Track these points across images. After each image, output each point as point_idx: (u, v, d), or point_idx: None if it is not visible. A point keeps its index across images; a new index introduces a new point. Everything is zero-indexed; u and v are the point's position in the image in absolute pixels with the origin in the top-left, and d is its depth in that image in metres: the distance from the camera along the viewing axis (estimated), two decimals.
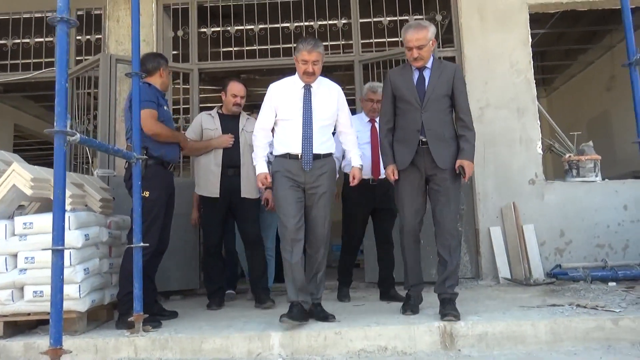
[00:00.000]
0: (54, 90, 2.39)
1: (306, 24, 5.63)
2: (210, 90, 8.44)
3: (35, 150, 12.30)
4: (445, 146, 3.18)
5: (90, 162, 5.16)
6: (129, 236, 3.34)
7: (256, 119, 3.66)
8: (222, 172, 3.91)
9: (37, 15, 5.62)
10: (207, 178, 3.94)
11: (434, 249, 3.42)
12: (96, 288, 3.33)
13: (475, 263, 4.94)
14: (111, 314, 3.64)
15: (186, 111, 5.40)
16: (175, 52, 5.83)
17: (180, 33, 5.53)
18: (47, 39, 5.68)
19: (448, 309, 3.01)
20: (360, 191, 3.72)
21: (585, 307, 3.18)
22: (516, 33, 5.15)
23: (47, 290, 3.04)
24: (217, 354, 2.89)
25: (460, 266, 4.68)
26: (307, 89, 3.27)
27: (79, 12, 5.56)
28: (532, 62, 5.13)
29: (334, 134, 3.44)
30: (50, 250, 2.28)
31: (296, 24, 5.57)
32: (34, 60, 5.59)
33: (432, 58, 3.27)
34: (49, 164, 3.58)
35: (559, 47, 8.25)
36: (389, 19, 5.46)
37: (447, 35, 5.59)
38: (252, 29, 5.64)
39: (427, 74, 3.24)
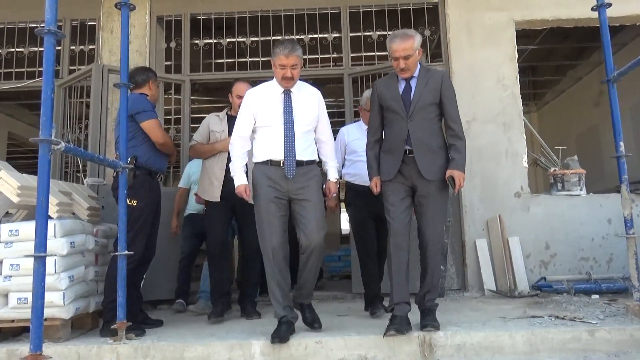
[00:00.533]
0: None
1: (297, 37, 5.72)
2: (202, 101, 8.52)
3: (29, 159, 12.31)
4: (432, 157, 3.07)
5: (81, 170, 5.20)
6: (115, 244, 3.38)
7: None
8: (227, 177, 3.68)
9: (31, 25, 5.68)
10: (211, 182, 3.84)
11: (418, 258, 3.31)
12: (81, 296, 3.35)
13: (461, 274, 4.98)
14: (96, 321, 3.65)
15: (177, 121, 5.47)
16: (168, 63, 5.91)
17: (173, 44, 5.62)
18: (40, 49, 5.74)
19: (428, 320, 3.02)
20: (363, 198, 3.70)
21: (563, 318, 3.22)
22: (503, 49, 5.25)
23: (31, 297, 3.06)
24: None
25: (446, 278, 4.77)
26: (287, 93, 3.16)
27: (74, 23, 5.64)
28: (518, 77, 5.22)
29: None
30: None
31: (288, 37, 5.65)
32: (28, 69, 5.64)
33: (419, 66, 3.18)
34: None
35: (549, 62, 8.38)
36: (378, 33, 5.56)
37: (436, 50, 5.69)
38: (244, 41, 5.72)
39: (413, 82, 3.15)
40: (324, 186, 3.35)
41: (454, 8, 5.34)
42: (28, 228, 3.13)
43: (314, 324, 3.18)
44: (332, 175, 3.34)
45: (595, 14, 3.56)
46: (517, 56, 5.27)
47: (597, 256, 4.87)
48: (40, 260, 2.28)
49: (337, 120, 5.75)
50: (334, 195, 3.32)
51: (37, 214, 2.30)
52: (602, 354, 2.84)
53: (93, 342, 3.10)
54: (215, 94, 8.11)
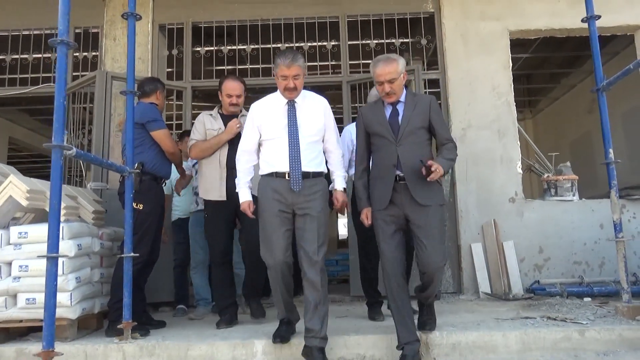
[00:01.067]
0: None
1: (297, 44, 5.84)
2: (203, 107, 8.62)
3: (28, 163, 12.40)
4: (424, 181, 2.86)
5: (84, 175, 5.29)
6: (121, 246, 3.47)
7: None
8: (229, 174, 3.60)
9: (35, 32, 5.80)
10: (213, 181, 3.68)
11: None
12: (87, 297, 3.44)
13: (457, 278, 5.09)
14: (101, 323, 3.74)
15: (179, 127, 5.57)
16: (169, 69, 6.02)
17: (175, 52, 5.73)
18: (44, 55, 5.86)
19: (425, 315, 3.15)
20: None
21: (555, 319, 3.34)
22: (497, 57, 5.39)
23: (39, 297, 3.15)
24: None
25: (442, 281, 4.88)
26: (291, 104, 3.07)
27: (77, 30, 5.75)
28: (512, 85, 5.36)
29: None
30: (45, 258, 2.40)
31: (287, 45, 5.78)
32: (32, 75, 5.74)
33: (404, 91, 3.07)
34: (42, 177, 3.76)
35: (544, 70, 8.55)
36: (376, 41, 5.68)
37: (432, 58, 5.82)
38: (244, 49, 5.84)
39: (400, 107, 3.04)
40: (332, 196, 3.23)
41: (450, 17, 5.49)
42: (37, 230, 3.24)
43: None
44: (340, 185, 3.20)
45: (586, 25, 3.69)
46: (511, 65, 5.41)
47: (589, 260, 4.98)
48: (52, 261, 2.37)
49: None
50: (343, 202, 3.20)
51: (50, 216, 2.40)
52: (592, 353, 2.95)
53: (99, 341, 3.19)
54: (214, 100, 8.22)
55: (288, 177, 2.97)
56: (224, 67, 5.83)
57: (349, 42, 5.70)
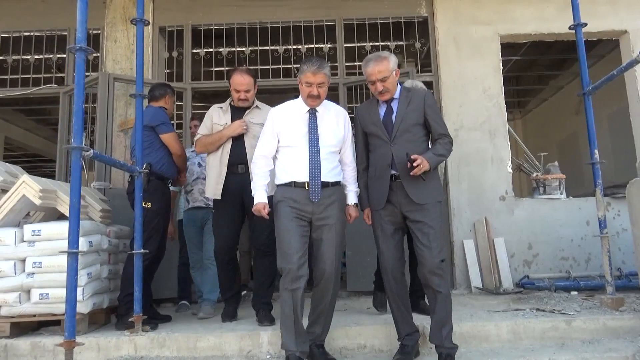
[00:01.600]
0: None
1: (294, 47, 6.00)
2: (202, 107, 8.76)
3: (23, 163, 12.40)
4: (420, 179, 2.85)
5: (86, 175, 5.40)
6: (131, 243, 3.61)
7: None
8: (230, 171, 3.58)
9: (36, 34, 5.89)
10: (212, 178, 3.65)
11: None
12: (97, 292, 3.58)
13: (450, 274, 5.28)
14: (109, 318, 3.88)
15: (179, 127, 5.69)
16: (169, 71, 6.14)
17: (174, 54, 5.85)
18: (46, 56, 5.95)
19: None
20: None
21: (544, 311, 3.53)
22: (489, 61, 5.58)
23: (52, 292, 3.30)
24: (211, 351, 3.16)
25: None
26: (313, 113, 3.01)
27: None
28: (503, 87, 5.55)
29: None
30: (61, 255, 2.55)
31: (285, 47, 5.93)
32: (33, 76, 5.83)
33: (399, 88, 3.04)
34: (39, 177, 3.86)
35: (533, 72, 8.78)
36: (371, 44, 5.86)
37: (426, 60, 6.01)
38: (243, 51, 5.98)
39: (395, 104, 3.01)
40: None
41: (443, 22, 5.67)
42: (50, 228, 3.37)
43: None
44: (352, 200, 3.15)
45: (573, 30, 3.88)
46: (502, 68, 5.60)
47: (576, 256, 5.19)
48: (73, 256, 2.52)
49: None
50: (356, 217, 3.17)
51: (71, 214, 2.54)
52: (578, 341, 3.16)
53: (111, 334, 3.32)
54: (212, 100, 8.35)
55: (307, 187, 2.92)
56: (223, 68, 5.98)
57: (345, 45, 5.85)
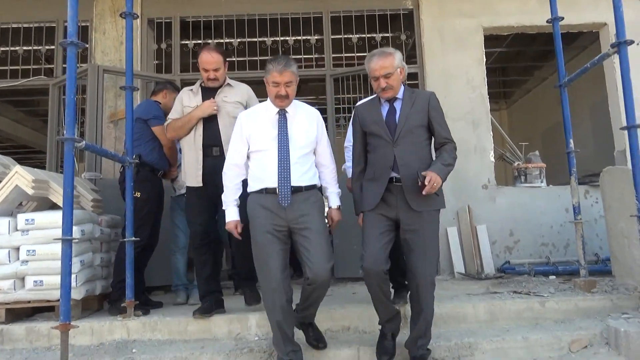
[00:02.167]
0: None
1: (282, 38, 6.08)
2: None
3: (11, 154, 12.36)
4: (421, 185, 2.69)
5: (76, 166, 5.47)
6: (123, 231, 3.71)
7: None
8: (205, 154, 3.41)
9: (25, 25, 5.92)
10: (190, 165, 3.48)
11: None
12: (89, 279, 3.68)
13: None
14: (101, 304, 3.99)
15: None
16: (158, 62, 6.20)
17: (163, 45, 5.92)
18: (34, 48, 5.98)
19: None
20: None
21: (520, 293, 3.70)
22: (472, 53, 5.70)
23: (46, 279, 3.40)
24: (202, 334, 3.30)
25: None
26: (282, 114, 2.89)
27: (67, 24, 5.86)
28: (485, 79, 5.69)
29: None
30: (56, 242, 2.65)
31: (272, 39, 6.01)
32: (22, 67, 5.87)
33: (402, 87, 2.91)
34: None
35: (517, 64, 8.92)
36: (357, 36, 5.96)
37: (411, 52, 6.12)
38: (231, 43, 6.05)
39: (398, 104, 2.88)
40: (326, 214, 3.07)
41: (428, 14, 5.78)
42: (43, 217, 3.46)
43: (318, 343, 3.04)
44: (334, 202, 3.06)
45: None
46: (485, 59, 5.73)
47: (555, 242, 5.37)
48: (67, 243, 2.62)
49: None
50: (338, 221, 3.08)
51: (64, 203, 2.64)
52: (551, 321, 3.33)
53: (104, 319, 3.44)
54: None
55: (277, 192, 2.79)
56: None
57: (332, 37, 5.94)
